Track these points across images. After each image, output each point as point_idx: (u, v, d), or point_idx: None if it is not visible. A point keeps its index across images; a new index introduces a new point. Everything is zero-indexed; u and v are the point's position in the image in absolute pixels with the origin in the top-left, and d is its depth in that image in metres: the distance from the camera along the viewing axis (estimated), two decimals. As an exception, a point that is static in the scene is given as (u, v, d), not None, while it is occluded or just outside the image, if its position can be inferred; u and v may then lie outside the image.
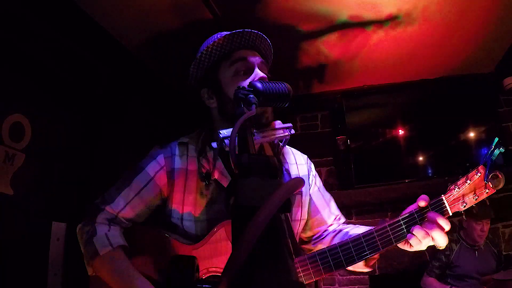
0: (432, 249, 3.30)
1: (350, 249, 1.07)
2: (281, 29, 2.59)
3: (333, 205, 1.39)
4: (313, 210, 1.33)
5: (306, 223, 1.34)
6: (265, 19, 2.47)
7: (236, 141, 0.62)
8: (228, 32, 1.16)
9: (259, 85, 0.86)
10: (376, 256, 1.15)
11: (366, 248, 1.07)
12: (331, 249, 1.07)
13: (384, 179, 3.42)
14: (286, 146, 1.34)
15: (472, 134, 3.47)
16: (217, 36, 1.18)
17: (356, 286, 3.41)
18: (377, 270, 3.41)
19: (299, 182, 0.49)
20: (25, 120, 1.85)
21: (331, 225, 1.35)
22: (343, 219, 1.39)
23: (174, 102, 3.27)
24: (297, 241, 1.27)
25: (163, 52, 2.71)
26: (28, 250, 1.80)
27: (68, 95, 2.17)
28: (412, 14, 2.53)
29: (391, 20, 2.58)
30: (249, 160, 0.50)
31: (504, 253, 3.16)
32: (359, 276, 3.42)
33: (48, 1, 1.97)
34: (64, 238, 1.98)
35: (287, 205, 0.44)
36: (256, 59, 1.19)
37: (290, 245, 1.11)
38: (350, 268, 1.21)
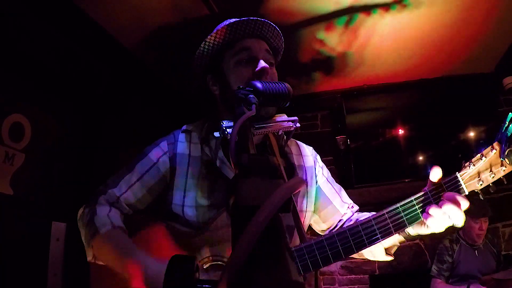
0: (432, 249, 3.28)
1: (360, 233, 0.99)
2: (281, 27, 2.59)
3: (344, 194, 1.35)
4: (323, 201, 1.31)
5: (319, 216, 1.31)
6: (265, 17, 2.47)
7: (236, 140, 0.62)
8: (233, 20, 1.16)
9: (259, 85, 0.86)
10: (397, 243, 1.10)
11: (377, 231, 0.99)
12: (340, 233, 0.99)
13: (384, 179, 3.42)
14: (292, 138, 1.35)
15: (472, 134, 3.47)
16: (223, 24, 1.18)
17: (356, 286, 3.41)
18: (377, 270, 3.41)
19: (300, 182, 0.49)
20: (25, 120, 1.84)
21: (345, 214, 1.31)
22: (356, 207, 1.34)
23: (174, 101, 3.27)
24: (305, 232, 1.23)
25: (163, 52, 2.71)
26: (28, 250, 1.80)
27: (68, 95, 2.17)
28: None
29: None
30: (249, 160, 0.50)
31: (504, 252, 3.16)
32: (359, 276, 3.42)
33: (48, 1, 1.97)
34: (64, 238, 1.98)
35: (287, 205, 0.44)
36: (261, 48, 1.19)
37: (302, 233, 1.09)
38: (370, 257, 1.17)
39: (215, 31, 1.17)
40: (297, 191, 0.44)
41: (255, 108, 0.76)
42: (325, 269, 3.44)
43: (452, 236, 3.04)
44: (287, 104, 0.93)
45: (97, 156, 2.33)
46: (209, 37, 1.18)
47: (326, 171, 1.38)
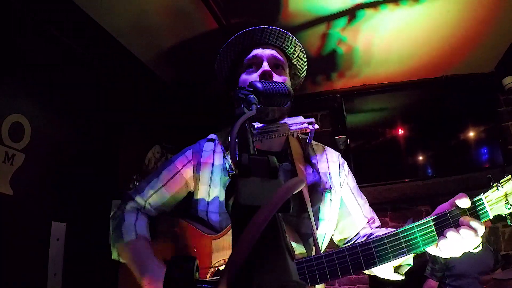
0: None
1: (371, 250, 0.94)
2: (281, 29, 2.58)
3: (366, 208, 1.31)
4: (343, 212, 1.27)
5: (336, 226, 1.28)
6: (265, 19, 2.47)
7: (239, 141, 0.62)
8: (241, 32, 1.23)
9: (259, 85, 0.87)
10: (410, 261, 1.04)
11: (389, 251, 0.94)
12: (350, 248, 0.97)
13: (384, 179, 3.41)
14: (319, 143, 1.37)
15: (472, 134, 3.47)
16: (234, 36, 1.25)
17: (356, 286, 3.41)
18: (377, 270, 3.41)
19: (300, 182, 0.49)
20: (25, 120, 1.84)
21: (363, 228, 1.27)
22: (377, 223, 1.29)
23: (175, 102, 3.27)
24: (318, 243, 1.18)
25: (164, 53, 2.71)
26: (28, 250, 1.80)
27: (68, 95, 2.17)
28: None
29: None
30: (249, 160, 0.50)
31: (504, 252, 3.15)
32: (359, 276, 3.42)
33: (48, 1, 1.97)
34: (64, 238, 1.98)
35: (287, 205, 0.44)
36: (266, 54, 1.23)
37: (316, 243, 1.09)
38: (378, 274, 1.13)
39: (226, 44, 1.25)
40: (296, 191, 0.44)
41: (255, 108, 0.76)
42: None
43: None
44: (287, 104, 0.94)
45: (97, 155, 2.33)
46: (221, 50, 1.26)
47: (351, 181, 1.33)
